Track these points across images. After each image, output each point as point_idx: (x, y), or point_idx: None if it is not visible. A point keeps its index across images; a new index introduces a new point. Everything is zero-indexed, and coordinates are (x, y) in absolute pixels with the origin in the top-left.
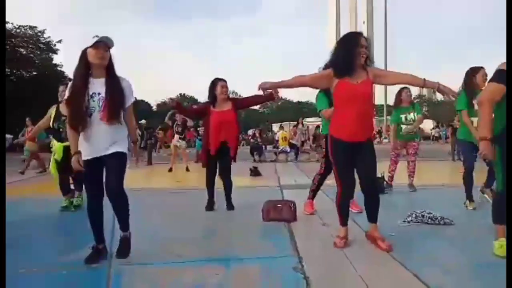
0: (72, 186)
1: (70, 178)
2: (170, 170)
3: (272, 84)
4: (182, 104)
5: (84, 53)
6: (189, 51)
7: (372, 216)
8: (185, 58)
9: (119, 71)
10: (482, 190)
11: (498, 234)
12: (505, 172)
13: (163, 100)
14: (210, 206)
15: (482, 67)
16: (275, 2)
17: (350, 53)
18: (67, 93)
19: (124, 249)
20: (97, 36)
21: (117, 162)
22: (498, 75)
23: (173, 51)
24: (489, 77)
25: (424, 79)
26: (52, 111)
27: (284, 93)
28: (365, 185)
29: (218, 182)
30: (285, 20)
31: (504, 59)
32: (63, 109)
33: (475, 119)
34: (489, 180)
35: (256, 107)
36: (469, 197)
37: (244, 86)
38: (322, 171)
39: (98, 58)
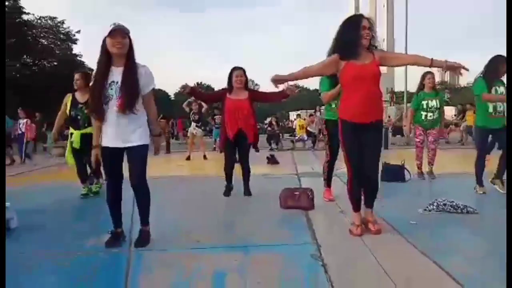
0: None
1: (88, 166)
2: (188, 158)
3: (280, 77)
4: (197, 89)
5: (103, 43)
6: (208, 40)
7: (368, 202)
8: (204, 47)
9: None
10: (493, 181)
11: None
12: None
13: (180, 89)
14: (228, 191)
15: (503, 56)
16: None
17: (354, 36)
18: (91, 84)
19: (143, 241)
20: (114, 24)
21: (139, 155)
22: None
23: (192, 40)
24: None
25: (432, 58)
26: (67, 99)
27: (301, 81)
28: (367, 171)
29: (237, 170)
30: (303, 9)
31: None
32: (79, 96)
33: (491, 104)
34: (499, 171)
35: None
36: (479, 182)
37: (262, 75)
38: (328, 158)
39: (115, 47)
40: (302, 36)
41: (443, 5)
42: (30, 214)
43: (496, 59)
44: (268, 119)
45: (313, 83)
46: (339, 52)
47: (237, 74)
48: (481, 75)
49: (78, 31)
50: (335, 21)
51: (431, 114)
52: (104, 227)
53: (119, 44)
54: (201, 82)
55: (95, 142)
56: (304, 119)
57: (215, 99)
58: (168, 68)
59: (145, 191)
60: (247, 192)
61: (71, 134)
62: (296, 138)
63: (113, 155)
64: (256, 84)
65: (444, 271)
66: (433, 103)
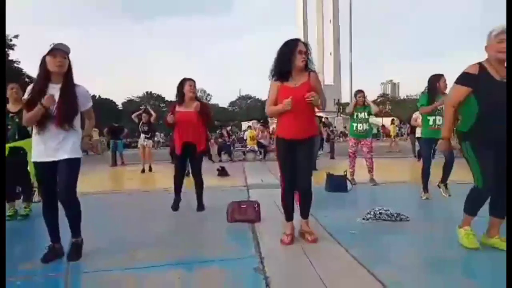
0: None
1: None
2: (143, 171)
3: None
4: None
5: (43, 61)
6: (156, 49)
7: (303, 213)
8: (151, 56)
9: (84, 71)
10: (439, 185)
11: (464, 222)
12: (483, 168)
13: (129, 98)
14: (176, 204)
15: (441, 75)
16: (246, 4)
17: (287, 59)
18: (26, 97)
19: (74, 254)
20: (53, 44)
21: (66, 168)
22: (462, 78)
23: (140, 50)
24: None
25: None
26: None
27: (252, 92)
28: (300, 183)
29: (187, 183)
30: (255, 22)
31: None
32: (11, 106)
33: (431, 118)
34: (444, 176)
35: (225, 105)
36: (425, 188)
37: (212, 86)
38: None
39: (56, 66)
40: (257, 46)
41: (384, 25)
42: None
43: (433, 78)
44: (219, 130)
45: (264, 94)
46: (275, 74)
47: (190, 84)
48: (426, 91)
49: (16, 36)
50: (286, 31)
51: (361, 124)
52: (38, 249)
53: (59, 63)
54: (150, 92)
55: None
56: (255, 129)
57: None
58: (116, 77)
59: (74, 204)
60: (200, 207)
61: None
62: (247, 149)
63: (47, 170)
64: (208, 94)
65: (380, 281)
66: (362, 115)
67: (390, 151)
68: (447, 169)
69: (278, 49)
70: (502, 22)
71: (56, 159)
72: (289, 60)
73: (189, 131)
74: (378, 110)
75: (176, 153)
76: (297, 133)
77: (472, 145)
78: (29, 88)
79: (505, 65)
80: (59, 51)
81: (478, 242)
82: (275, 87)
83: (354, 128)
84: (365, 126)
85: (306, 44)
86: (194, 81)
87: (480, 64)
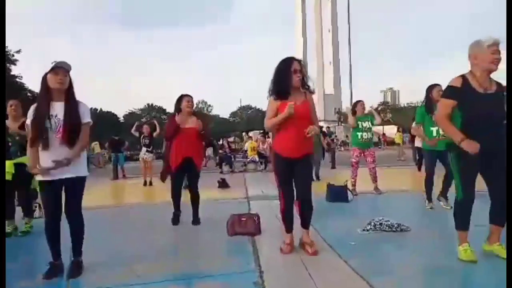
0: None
1: (16, 201)
2: (145, 184)
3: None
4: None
5: (44, 79)
6: (157, 60)
7: (304, 223)
8: (153, 68)
9: (84, 85)
10: (439, 198)
11: (460, 240)
12: (463, 180)
13: (130, 111)
14: (176, 219)
15: (437, 84)
16: (245, 11)
17: (284, 78)
18: (30, 116)
19: (75, 271)
20: (55, 62)
21: (76, 187)
22: (447, 91)
23: (141, 61)
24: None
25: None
26: None
27: (253, 102)
28: (300, 196)
29: (186, 196)
30: (256, 29)
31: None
32: (11, 123)
33: (434, 129)
34: (444, 189)
35: (226, 115)
36: (429, 198)
37: (212, 96)
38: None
39: (57, 83)
40: (254, 54)
41: (384, 30)
42: None
43: (428, 89)
44: (221, 140)
45: (265, 104)
46: (274, 93)
47: (188, 99)
48: (423, 104)
49: (18, 51)
50: (286, 40)
51: (365, 133)
52: (39, 266)
53: (60, 81)
54: (152, 104)
55: (34, 165)
56: (256, 140)
57: (176, 130)
58: (118, 89)
59: (79, 222)
60: (196, 221)
61: None
62: (248, 159)
63: (52, 188)
64: (209, 105)
65: None
66: (366, 124)
67: (404, 159)
68: (447, 181)
69: (275, 68)
70: (503, 21)
71: (63, 177)
72: (286, 79)
73: (189, 146)
74: (381, 120)
75: (172, 170)
76: (295, 150)
77: (456, 155)
78: (31, 110)
79: (490, 76)
80: (61, 69)
81: (477, 256)
82: (274, 104)
83: (359, 137)
84: (369, 135)
85: (300, 62)
86: (191, 97)
87: (463, 76)
